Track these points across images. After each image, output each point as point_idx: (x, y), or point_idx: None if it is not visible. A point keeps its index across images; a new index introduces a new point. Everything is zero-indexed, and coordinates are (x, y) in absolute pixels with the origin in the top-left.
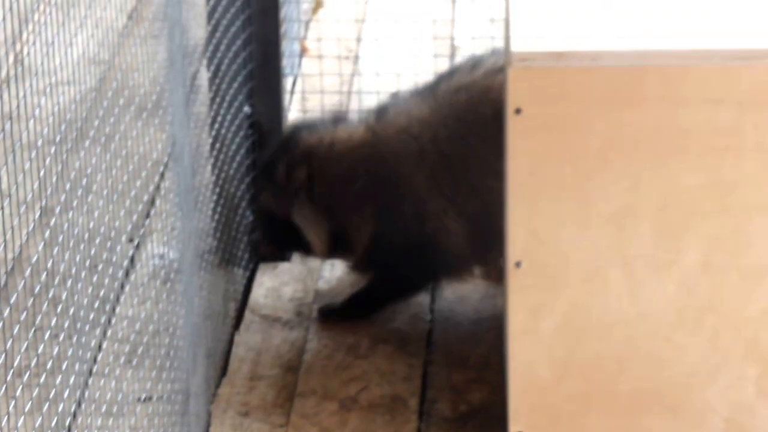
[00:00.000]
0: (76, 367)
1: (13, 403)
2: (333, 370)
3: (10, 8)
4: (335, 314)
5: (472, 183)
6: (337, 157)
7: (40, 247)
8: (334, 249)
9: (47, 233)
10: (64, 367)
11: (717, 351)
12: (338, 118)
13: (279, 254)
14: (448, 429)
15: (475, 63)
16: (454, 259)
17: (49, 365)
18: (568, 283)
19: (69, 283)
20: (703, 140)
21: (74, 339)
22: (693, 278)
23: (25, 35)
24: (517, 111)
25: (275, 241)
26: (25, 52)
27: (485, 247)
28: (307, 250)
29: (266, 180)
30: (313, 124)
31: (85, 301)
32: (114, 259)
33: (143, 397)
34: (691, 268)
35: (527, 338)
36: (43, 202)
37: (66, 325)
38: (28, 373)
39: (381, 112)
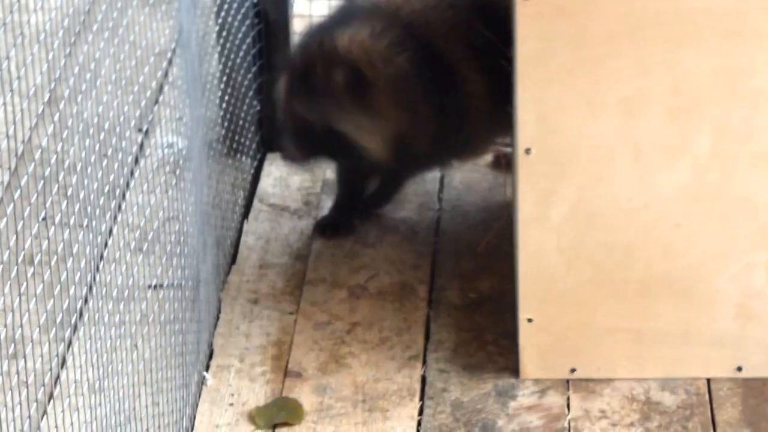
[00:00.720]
0: (87, 252)
1: (24, 287)
2: (342, 259)
3: None
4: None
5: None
6: (380, 52)
7: (50, 131)
8: (400, 152)
9: (56, 118)
10: (74, 252)
11: (727, 237)
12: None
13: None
14: (458, 316)
15: None
16: (472, 139)
17: (59, 251)
18: (578, 169)
19: (78, 169)
20: (713, 25)
21: (84, 225)
22: (704, 165)
23: None
24: None
25: (312, 150)
26: None
27: (495, 129)
28: (358, 156)
29: (301, 86)
30: (332, 25)
31: (95, 187)
32: (123, 146)
33: (153, 283)
34: (702, 155)
35: (536, 226)
36: (51, 89)
37: (76, 210)
38: (38, 259)
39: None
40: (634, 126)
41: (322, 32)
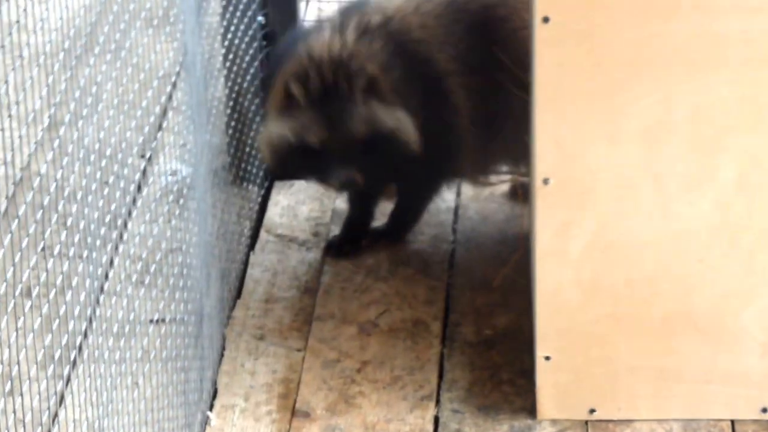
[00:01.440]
0: (87, 285)
1: (21, 321)
2: (352, 293)
3: None
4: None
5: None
6: (377, 50)
7: (49, 158)
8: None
9: (56, 144)
10: (73, 285)
11: (753, 272)
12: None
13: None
14: (472, 353)
15: None
16: (467, 153)
17: (58, 283)
18: (598, 201)
19: (79, 198)
20: (738, 51)
21: (84, 256)
22: (728, 196)
23: None
24: (545, 20)
25: (368, 168)
26: None
27: (486, 150)
28: (401, 152)
29: (327, 102)
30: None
31: (96, 216)
32: (125, 174)
33: (155, 318)
34: (726, 186)
35: (555, 259)
36: (51, 114)
37: (76, 241)
38: (36, 291)
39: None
40: (655, 155)
41: (298, 46)
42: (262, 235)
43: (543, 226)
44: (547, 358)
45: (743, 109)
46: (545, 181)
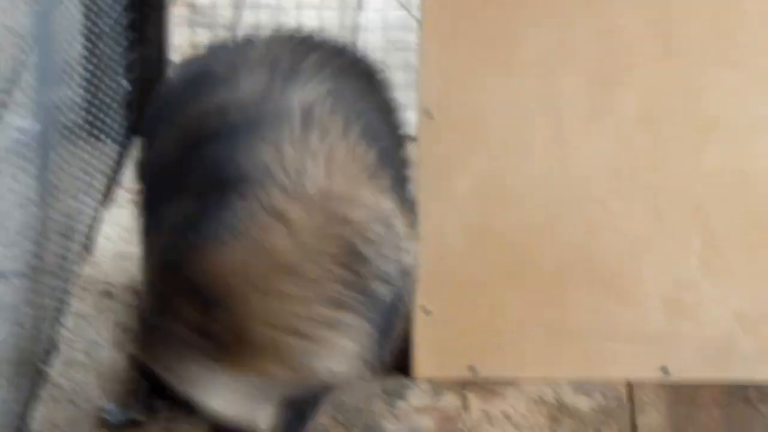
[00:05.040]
0: None
1: None
2: None
3: None
4: None
5: None
6: None
7: None
8: None
9: None
10: None
11: (656, 218)
12: None
13: None
14: None
15: None
16: None
17: None
18: (487, 137)
19: None
20: None
21: None
22: (631, 133)
23: None
24: None
25: None
26: None
27: None
28: None
29: None
30: None
31: None
32: None
33: None
34: (629, 122)
35: (437, 201)
36: None
37: None
38: None
39: None
40: (551, 88)
41: None
42: (118, 192)
43: (425, 164)
44: (426, 311)
45: (649, 36)
46: (428, 115)
